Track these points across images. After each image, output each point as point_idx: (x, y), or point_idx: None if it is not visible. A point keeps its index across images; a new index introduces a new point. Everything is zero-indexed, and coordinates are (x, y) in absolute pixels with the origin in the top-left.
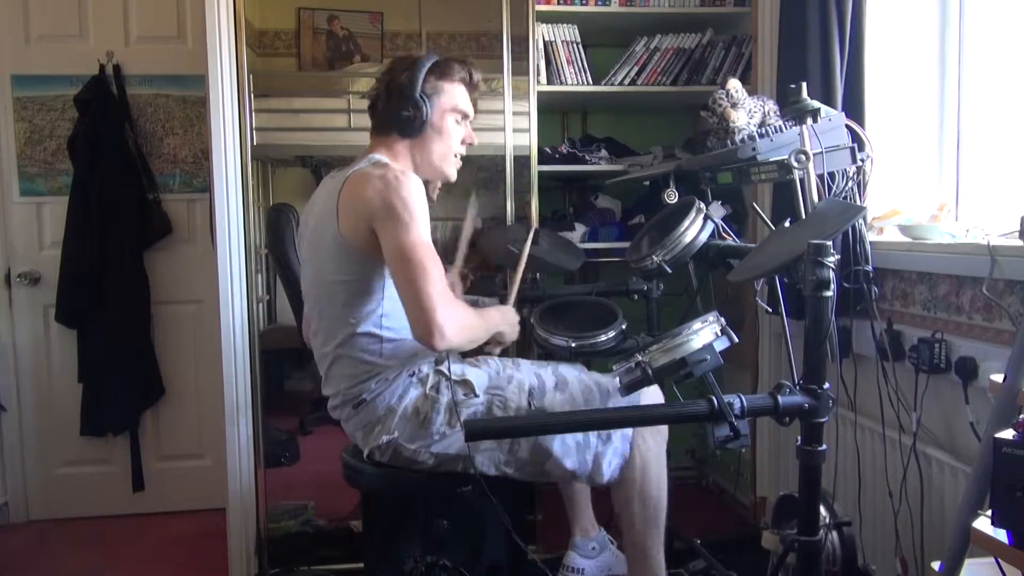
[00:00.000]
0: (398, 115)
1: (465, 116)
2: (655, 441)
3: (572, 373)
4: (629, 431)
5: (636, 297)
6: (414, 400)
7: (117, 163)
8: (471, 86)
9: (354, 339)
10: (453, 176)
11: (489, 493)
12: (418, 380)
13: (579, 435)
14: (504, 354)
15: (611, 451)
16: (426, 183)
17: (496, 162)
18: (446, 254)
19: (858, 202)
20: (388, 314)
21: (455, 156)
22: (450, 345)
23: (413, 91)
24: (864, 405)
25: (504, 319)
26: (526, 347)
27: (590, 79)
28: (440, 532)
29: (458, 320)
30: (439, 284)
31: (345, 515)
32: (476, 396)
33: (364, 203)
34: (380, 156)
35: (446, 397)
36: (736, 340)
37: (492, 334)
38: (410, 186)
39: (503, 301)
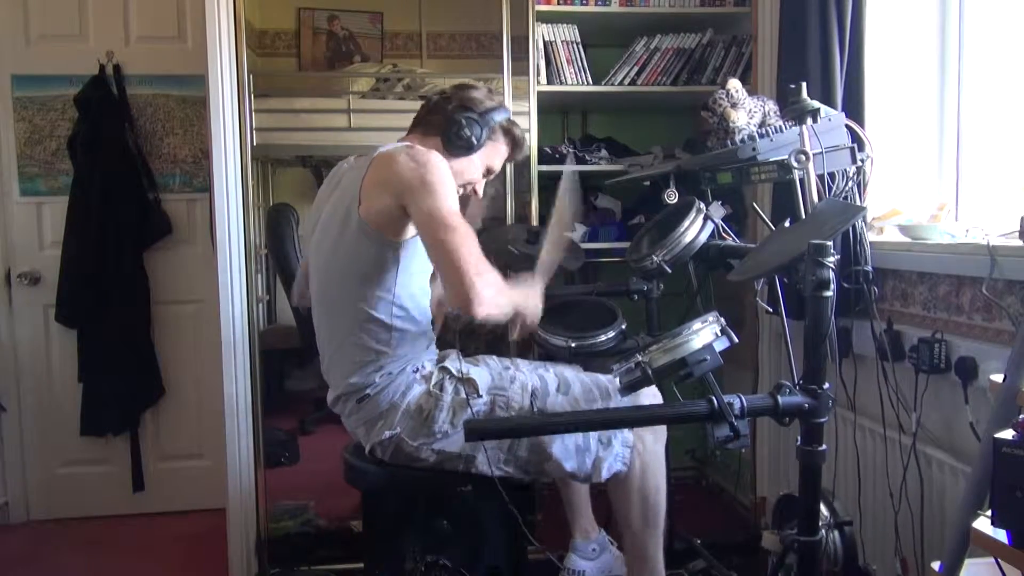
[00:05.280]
0: (458, 126)
1: (489, 173)
2: (653, 438)
3: (572, 374)
4: (630, 436)
5: (636, 297)
6: (417, 397)
7: (117, 163)
8: (512, 157)
9: (364, 325)
10: None
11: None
12: (421, 377)
13: (579, 438)
14: (501, 353)
15: (611, 456)
16: None
17: None
18: None
19: (858, 202)
20: (401, 303)
21: (458, 189)
22: (487, 313)
23: (485, 121)
24: (864, 405)
25: (527, 301)
26: (526, 347)
27: (590, 79)
28: (440, 532)
29: (494, 287)
30: (476, 251)
31: (345, 515)
32: (480, 396)
33: (396, 177)
34: (411, 143)
35: (449, 395)
36: (736, 340)
37: (517, 310)
38: (440, 163)
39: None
